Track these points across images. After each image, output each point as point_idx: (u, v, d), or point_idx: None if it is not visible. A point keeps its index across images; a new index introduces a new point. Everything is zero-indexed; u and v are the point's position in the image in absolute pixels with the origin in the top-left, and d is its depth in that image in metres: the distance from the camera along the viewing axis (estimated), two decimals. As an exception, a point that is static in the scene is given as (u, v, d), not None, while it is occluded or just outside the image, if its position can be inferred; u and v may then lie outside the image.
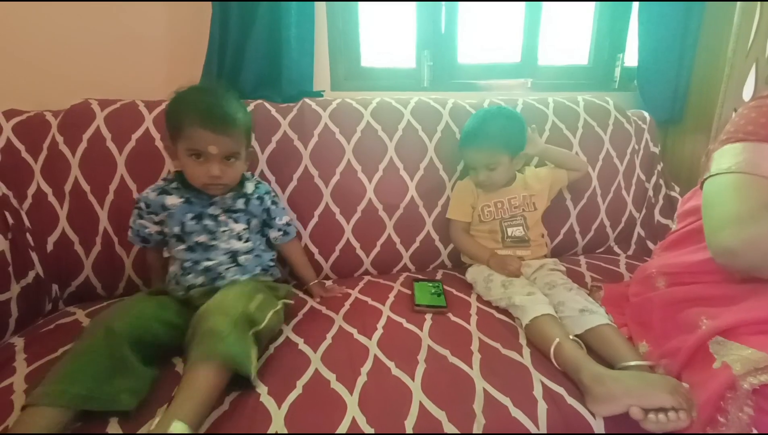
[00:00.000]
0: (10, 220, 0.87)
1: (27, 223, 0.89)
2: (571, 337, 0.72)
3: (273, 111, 1.03)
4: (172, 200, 0.81)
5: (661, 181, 1.24)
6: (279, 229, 0.92)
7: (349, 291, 0.95)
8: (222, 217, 0.83)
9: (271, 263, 0.91)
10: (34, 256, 0.89)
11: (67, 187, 0.91)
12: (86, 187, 0.91)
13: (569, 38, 1.49)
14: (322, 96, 1.15)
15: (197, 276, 0.79)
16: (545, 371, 0.67)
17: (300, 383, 0.64)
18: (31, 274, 0.87)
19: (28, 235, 0.89)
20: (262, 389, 0.62)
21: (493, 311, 0.87)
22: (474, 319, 0.83)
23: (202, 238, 0.81)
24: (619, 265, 1.08)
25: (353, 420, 0.58)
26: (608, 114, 1.19)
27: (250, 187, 0.87)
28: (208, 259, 0.80)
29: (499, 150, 0.96)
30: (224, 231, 0.83)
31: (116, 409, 0.56)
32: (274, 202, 0.92)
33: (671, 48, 1.28)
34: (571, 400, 0.62)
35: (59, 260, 0.91)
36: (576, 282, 0.92)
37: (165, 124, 0.78)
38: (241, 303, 0.68)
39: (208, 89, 0.80)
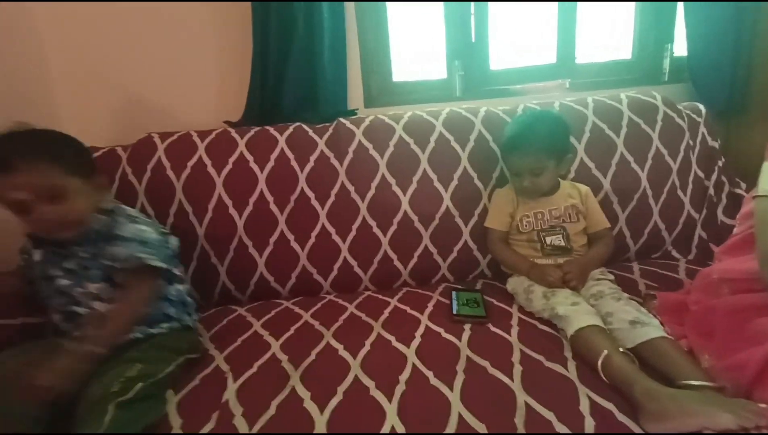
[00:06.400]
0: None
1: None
2: (621, 349, 0.68)
3: (310, 132, 1.09)
4: (37, 255, 0.73)
5: (724, 178, 1.13)
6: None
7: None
8: (79, 273, 0.72)
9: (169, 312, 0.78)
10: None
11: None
12: (151, 211, 1.01)
13: (609, 32, 1.43)
14: (356, 114, 1.20)
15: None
16: (592, 385, 0.64)
17: (341, 389, 0.66)
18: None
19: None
20: (305, 394, 0.66)
21: (536, 322, 0.84)
22: (515, 330, 0.81)
23: (62, 301, 0.72)
24: (679, 271, 1.00)
25: (392, 428, 0.59)
26: (656, 109, 1.12)
27: (98, 223, 0.74)
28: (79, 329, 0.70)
29: (544, 154, 0.93)
30: (81, 292, 0.72)
31: None
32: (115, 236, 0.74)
33: (725, 31, 1.18)
34: (621, 417, 0.59)
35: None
36: (628, 290, 0.87)
37: None
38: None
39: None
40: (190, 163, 1.03)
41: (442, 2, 1.29)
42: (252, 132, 1.08)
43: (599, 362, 0.66)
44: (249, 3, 1.09)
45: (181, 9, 1.18)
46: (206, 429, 0.60)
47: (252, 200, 1.02)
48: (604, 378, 0.65)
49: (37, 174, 0.67)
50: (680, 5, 1.27)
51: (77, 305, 0.73)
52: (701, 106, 1.18)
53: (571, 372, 0.68)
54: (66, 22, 1.15)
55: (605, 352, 0.67)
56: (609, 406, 0.60)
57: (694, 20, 1.21)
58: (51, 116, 1.17)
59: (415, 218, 1.04)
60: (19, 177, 0.65)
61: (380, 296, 1.00)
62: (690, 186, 1.11)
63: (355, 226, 1.05)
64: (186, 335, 0.80)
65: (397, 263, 1.06)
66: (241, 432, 0.60)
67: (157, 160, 1.03)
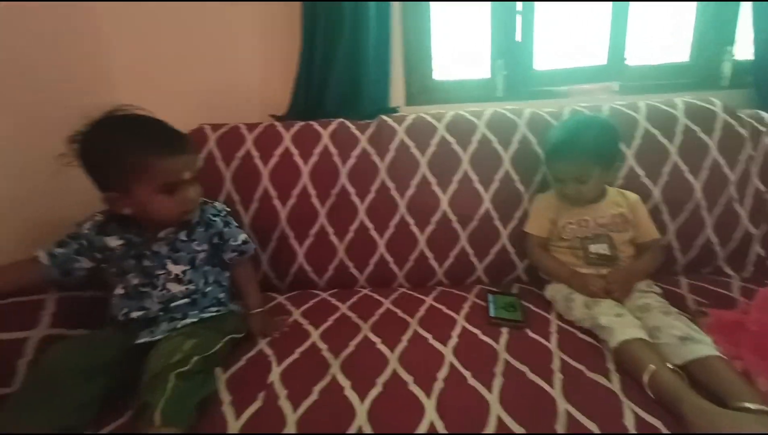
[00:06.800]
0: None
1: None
2: (669, 365, 0.66)
3: (352, 128, 1.11)
4: (113, 242, 0.77)
5: (788, 192, 1.06)
6: (233, 250, 0.87)
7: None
8: (165, 255, 0.78)
9: (220, 297, 0.84)
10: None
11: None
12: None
13: (664, 33, 1.36)
14: (397, 112, 1.21)
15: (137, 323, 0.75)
16: (637, 400, 0.63)
17: (380, 381, 0.68)
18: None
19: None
20: (346, 383, 0.68)
21: (576, 331, 0.82)
22: (554, 337, 0.80)
23: (136, 281, 0.76)
24: (732, 289, 0.95)
25: (431, 424, 0.60)
26: (714, 116, 1.06)
27: (194, 213, 0.82)
28: (142, 308, 0.75)
29: (590, 162, 0.90)
30: (160, 274, 0.77)
31: None
32: (227, 223, 0.87)
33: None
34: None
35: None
36: (675, 306, 0.83)
37: (101, 177, 0.70)
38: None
39: (134, 117, 0.72)
40: (239, 155, 1.07)
41: (489, 2, 1.28)
42: (297, 126, 1.11)
43: (646, 377, 0.64)
44: (298, 3, 1.12)
45: (233, 10, 1.23)
46: (254, 407, 0.64)
47: (295, 193, 1.05)
48: (650, 393, 0.63)
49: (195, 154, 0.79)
50: (745, 6, 1.19)
51: (152, 287, 0.77)
52: (764, 114, 1.10)
53: (615, 384, 0.66)
54: (126, 23, 1.23)
55: (652, 367, 0.65)
56: (655, 422, 0.59)
57: (762, 21, 1.13)
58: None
59: (453, 218, 1.04)
60: (189, 158, 0.76)
61: (415, 294, 1.01)
62: (749, 199, 1.04)
63: (393, 223, 1.06)
64: (231, 317, 0.84)
65: (432, 262, 1.07)
66: (286, 413, 0.62)
67: (209, 151, 1.08)
